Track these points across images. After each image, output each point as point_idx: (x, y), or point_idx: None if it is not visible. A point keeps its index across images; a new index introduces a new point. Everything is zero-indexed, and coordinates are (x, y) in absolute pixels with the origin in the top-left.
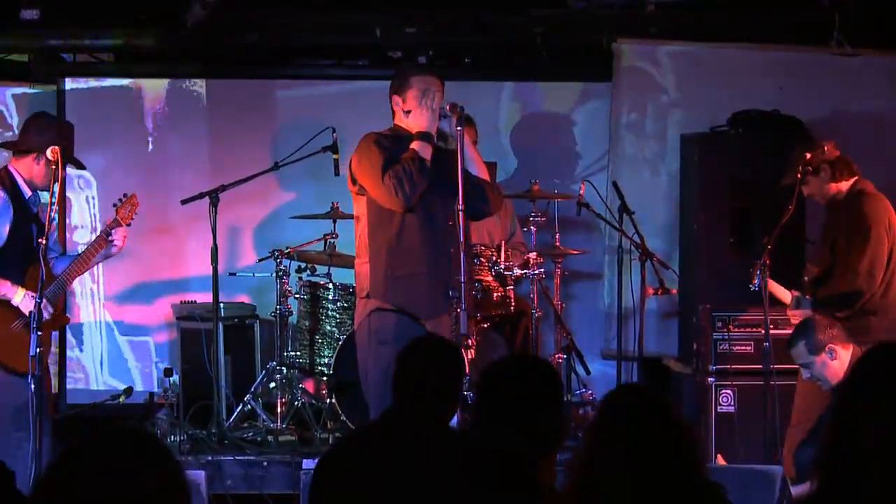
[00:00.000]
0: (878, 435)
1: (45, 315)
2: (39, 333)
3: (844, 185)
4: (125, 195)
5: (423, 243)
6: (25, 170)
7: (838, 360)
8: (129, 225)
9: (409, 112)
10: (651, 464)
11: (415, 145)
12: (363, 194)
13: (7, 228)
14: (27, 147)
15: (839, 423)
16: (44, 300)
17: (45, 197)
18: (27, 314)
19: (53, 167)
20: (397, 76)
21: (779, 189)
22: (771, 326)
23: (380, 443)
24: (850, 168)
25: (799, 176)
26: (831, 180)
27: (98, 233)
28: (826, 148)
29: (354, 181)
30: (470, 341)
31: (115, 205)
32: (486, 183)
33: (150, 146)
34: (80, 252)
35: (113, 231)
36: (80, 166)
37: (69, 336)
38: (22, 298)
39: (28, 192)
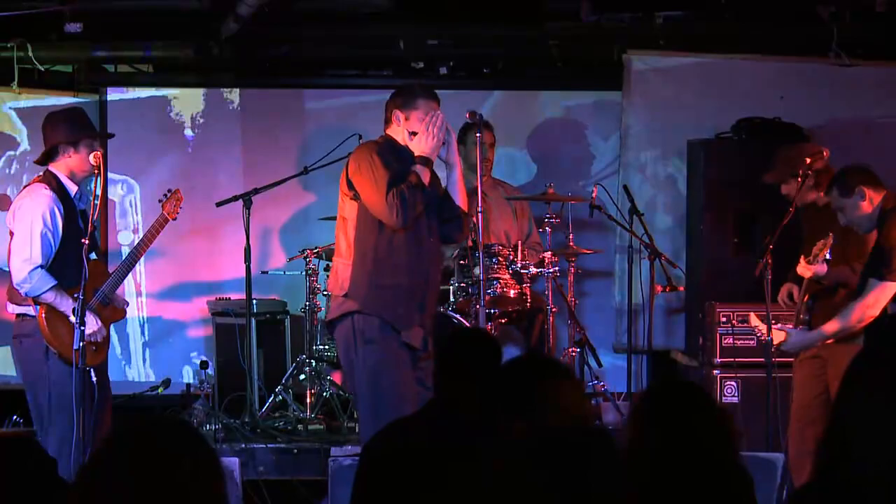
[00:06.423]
0: (856, 424)
1: (95, 327)
2: (82, 329)
3: (824, 195)
4: (169, 190)
5: (408, 257)
6: (63, 167)
7: (867, 201)
8: (175, 219)
9: (413, 133)
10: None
11: (417, 169)
12: (357, 200)
13: (61, 224)
14: (52, 147)
15: (834, 413)
16: (102, 296)
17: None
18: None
19: (96, 172)
20: (403, 93)
21: (763, 184)
22: (773, 322)
23: (425, 430)
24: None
25: (797, 178)
26: (815, 188)
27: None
28: (824, 155)
29: (350, 186)
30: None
31: (160, 200)
32: (465, 214)
33: (187, 152)
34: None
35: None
36: (107, 135)
37: (112, 330)
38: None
39: (73, 189)
